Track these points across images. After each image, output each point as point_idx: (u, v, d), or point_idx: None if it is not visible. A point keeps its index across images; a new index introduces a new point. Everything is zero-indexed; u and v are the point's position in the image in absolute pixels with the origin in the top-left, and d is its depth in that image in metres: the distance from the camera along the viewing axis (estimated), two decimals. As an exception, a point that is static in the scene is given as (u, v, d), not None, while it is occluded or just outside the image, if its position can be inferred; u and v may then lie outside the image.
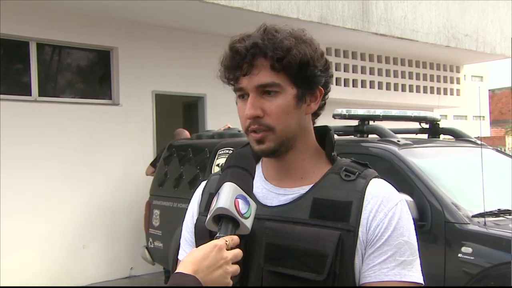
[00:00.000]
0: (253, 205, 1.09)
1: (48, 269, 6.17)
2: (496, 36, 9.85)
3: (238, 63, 1.13)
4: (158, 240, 5.64)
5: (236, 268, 1.04)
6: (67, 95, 6.79)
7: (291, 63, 1.11)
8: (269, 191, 1.20)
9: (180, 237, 1.34)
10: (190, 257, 1.02)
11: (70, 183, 6.37)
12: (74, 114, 6.51)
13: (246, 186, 1.10)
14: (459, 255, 3.17)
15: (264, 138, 1.15)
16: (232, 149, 4.93)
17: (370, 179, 1.16)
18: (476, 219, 3.29)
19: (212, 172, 4.98)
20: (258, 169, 1.26)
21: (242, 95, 1.16)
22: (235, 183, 1.08)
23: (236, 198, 1.06)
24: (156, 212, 5.70)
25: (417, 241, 1.15)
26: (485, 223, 3.23)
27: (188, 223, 1.31)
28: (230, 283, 1.03)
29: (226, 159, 1.18)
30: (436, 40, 8.89)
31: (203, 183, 1.34)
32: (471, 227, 3.24)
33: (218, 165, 4.98)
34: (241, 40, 1.14)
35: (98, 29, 6.68)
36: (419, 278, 1.11)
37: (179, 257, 1.32)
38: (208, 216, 1.08)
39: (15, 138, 5.98)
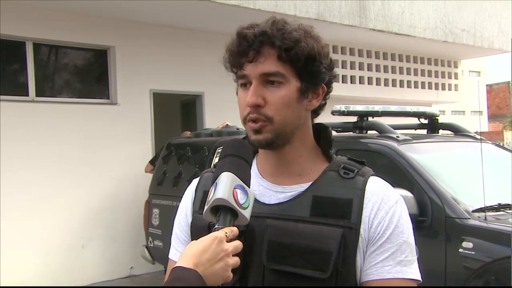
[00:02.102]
0: (251, 195, 1.08)
1: (47, 269, 6.16)
2: (494, 31, 9.84)
3: (244, 49, 1.11)
4: (158, 239, 5.63)
5: (236, 260, 1.02)
6: (64, 95, 6.77)
7: (298, 55, 1.10)
8: (266, 189, 1.19)
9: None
10: (189, 250, 1.00)
11: (68, 183, 6.36)
12: (72, 114, 6.49)
13: (244, 176, 1.09)
14: (460, 250, 3.16)
15: (261, 128, 1.13)
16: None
17: (369, 177, 1.16)
18: (476, 214, 3.28)
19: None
20: (253, 165, 1.24)
21: (245, 83, 1.14)
22: (232, 172, 1.07)
23: (234, 188, 1.05)
24: (156, 211, 5.69)
25: (415, 238, 1.16)
26: (485, 217, 3.22)
27: (181, 222, 1.29)
28: (231, 276, 1.01)
29: (223, 148, 1.16)
30: (434, 36, 8.89)
31: (195, 181, 1.32)
32: (472, 222, 3.23)
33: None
34: (249, 27, 1.13)
35: (95, 28, 6.66)
36: (418, 275, 1.12)
37: (170, 256, 1.30)
38: (206, 207, 1.06)
39: (13, 138, 5.96)
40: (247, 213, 1.05)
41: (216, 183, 1.06)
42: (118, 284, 6.56)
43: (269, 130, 1.13)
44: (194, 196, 1.28)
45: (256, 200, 1.14)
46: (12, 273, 5.86)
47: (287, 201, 1.15)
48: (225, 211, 1.04)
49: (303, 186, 1.16)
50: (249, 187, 1.08)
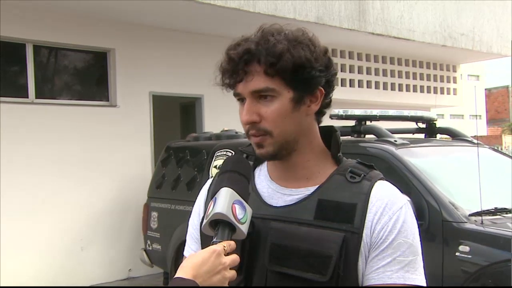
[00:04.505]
0: (249, 210, 1.11)
1: (47, 271, 6.16)
2: (492, 35, 9.87)
3: (233, 69, 1.14)
4: (156, 242, 5.63)
5: (233, 273, 1.05)
6: (64, 97, 6.78)
7: (283, 68, 1.11)
8: (275, 191, 1.21)
9: (185, 234, 1.35)
10: (189, 262, 1.03)
11: (68, 185, 6.36)
12: (72, 116, 6.50)
13: (243, 191, 1.11)
14: (457, 253, 3.18)
15: (262, 142, 1.15)
16: (229, 150, 4.93)
17: (375, 181, 1.17)
18: (473, 218, 3.30)
19: (210, 173, 4.98)
20: (264, 168, 1.27)
21: (241, 99, 1.17)
22: (232, 188, 1.09)
23: (233, 203, 1.07)
24: (154, 214, 5.70)
25: (421, 243, 1.16)
26: (482, 221, 3.24)
27: (194, 221, 1.32)
28: None
29: (223, 164, 1.19)
30: (433, 40, 8.92)
31: (209, 181, 1.35)
32: (469, 225, 3.25)
33: (215, 166, 4.98)
34: (236, 46, 1.15)
35: (95, 30, 6.68)
36: (422, 281, 1.12)
37: (185, 253, 1.33)
38: (205, 221, 1.09)
39: (13, 140, 5.97)
40: (244, 228, 1.08)
41: (216, 198, 1.09)
42: (117, 286, 6.57)
43: (270, 144, 1.15)
44: (206, 196, 1.31)
45: (263, 202, 1.19)
46: (12, 275, 5.86)
47: (293, 204, 1.17)
48: (223, 226, 1.07)
49: (309, 190, 1.18)
50: (247, 202, 1.11)
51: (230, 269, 1.04)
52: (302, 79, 1.13)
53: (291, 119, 1.15)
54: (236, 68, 1.13)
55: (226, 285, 1.03)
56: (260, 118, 1.14)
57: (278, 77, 1.12)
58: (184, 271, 1.01)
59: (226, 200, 1.07)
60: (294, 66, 1.11)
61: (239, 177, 1.13)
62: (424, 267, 1.14)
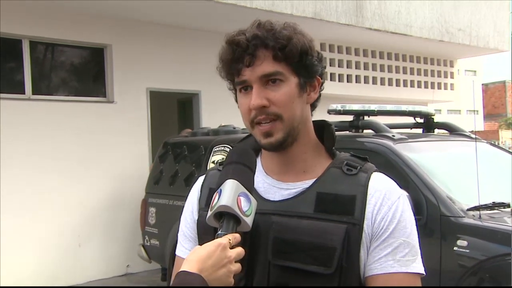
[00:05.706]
0: (254, 202, 1.10)
1: (44, 268, 6.16)
2: (489, 30, 9.88)
3: (240, 55, 1.13)
4: (154, 238, 5.64)
5: (238, 266, 1.05)
6: (61, 93, 6.77)
7: (292, 52, 1.12)
8: (271, 186, 1.21)
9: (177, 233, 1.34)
10: (194, 255, 1.02)
11: (65, 181, 6.36)
12: (69, 112, 6.49)
13: (248, 183, 1.11)
14: (455, 248, 3.19)
15: (272, 130, 1.15)
16: (227, 145, 4.93)
17: (371, 173, 1.18)
18: (471, 213, 3.31)
19: (208, 169, 4.98)
20: (258, 162, 1.25)
21: (245, 87, 1.16)
22: (237, 180, 1.09)
23: (238, 195, 1.07)
24: (152, 210, 5.70)
25: (418, 232, 1.18)
26: (480, 216, 3.25)
27: (187, 219, 1.31)
28: (233, 281, 1.04)
29: (227, 155, 1.18)
30: (430, 35, 8.92)
31: (201, 178, 1.33)
32: (466, 220, 3.26)
33: (213, 162, 4.97)
34: (240, 33, 1.15)
35: (92, 26, 6.66)
36: (421, 269, 1.14)
37: (177, 252, 1.31)
38: (210, 213, 1.08)
39: (9, 136, 5.96)
40: (249, 220, 1.08)
41: (221, 189, 1.08)
42: (115, 282, 6.57)
43: (280, 130, 1.15)
44: (200, 193, 1.30)
45: (260, 197, 1.18)
46: (10, 271, 5.86)
47: (291, 197, 1.17)
48: (228, 218, 1.06)
49: (307, 183, 1.18)
50: (252, 194, 1.11)
51: (235, 262, 1.04)
52: (305, 65, 1.16)
53: (297, 105, 1.16)
54: (243, 53, 1.13)
55: (231, 278, 1.03)
56: (269, 103, 1.13)
57: (285, 62, 1.13)
58: (189, 265, 1.00)
59: (231, 192, 1.06)
60: (301, 51, 1.13)
61: (244, 168, 1.12)
62: (422, 259, 1.16)
